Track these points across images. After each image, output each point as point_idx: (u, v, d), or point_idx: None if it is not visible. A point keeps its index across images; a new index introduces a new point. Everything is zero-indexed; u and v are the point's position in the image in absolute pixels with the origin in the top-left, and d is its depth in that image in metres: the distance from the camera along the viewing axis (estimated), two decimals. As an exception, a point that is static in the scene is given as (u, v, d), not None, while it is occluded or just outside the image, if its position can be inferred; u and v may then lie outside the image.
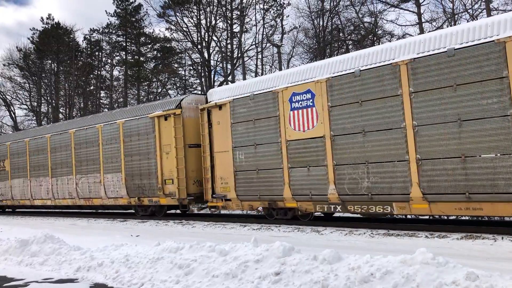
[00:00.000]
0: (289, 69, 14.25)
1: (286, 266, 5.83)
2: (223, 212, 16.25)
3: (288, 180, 11.83)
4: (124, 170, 16.38)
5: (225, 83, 32.31)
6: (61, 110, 43.32)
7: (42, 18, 48.18)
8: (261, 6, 33.61)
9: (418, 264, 5.10)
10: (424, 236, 9.21)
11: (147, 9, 46.26)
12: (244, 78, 31.39)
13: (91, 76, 43.66)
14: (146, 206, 16.28)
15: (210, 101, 13.98)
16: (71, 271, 7.72)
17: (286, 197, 11.92)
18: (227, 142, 13.30)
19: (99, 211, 20.60)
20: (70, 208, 21.07)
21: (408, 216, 12.35)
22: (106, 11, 42.56)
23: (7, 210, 25.79)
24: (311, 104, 11.39)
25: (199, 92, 32.62)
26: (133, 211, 17.30)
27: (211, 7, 33.84)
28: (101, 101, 44.47)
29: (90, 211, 21.58)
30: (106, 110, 39.64)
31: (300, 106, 11.62)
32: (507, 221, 11.14)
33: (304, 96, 11.54)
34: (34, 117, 44.55)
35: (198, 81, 38.09)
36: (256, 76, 32.76)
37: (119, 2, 41.42)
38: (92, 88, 44.50)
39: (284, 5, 33.65)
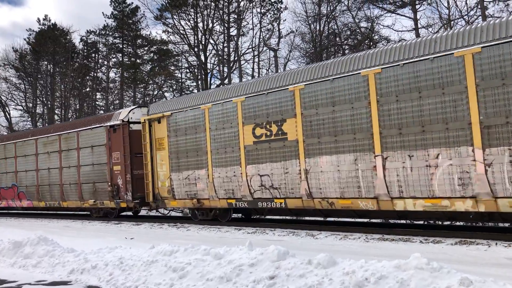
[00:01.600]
0: None
1: (281, 270, 5.82)
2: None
3: None
4: None
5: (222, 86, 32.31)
6: (56, 112, 43.21)
7: (38, 19, 48.20)
8: (258, 10, 33.78)
9: (412, 269, 5.10)
10: (418, 241, 9.23)
11: (144, 11, 46.16)
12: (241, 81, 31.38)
13: (87, 77, 43.56)
14: None
15: None
16: (64, 273, 7.67)
17: None
18: None
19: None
20: None
21: (403, 221, 12.36)
22: (103, 13, 42.57)
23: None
24: None
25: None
26: None
27: (208, 10, 33.91)
28: (96, 102, 44.42)
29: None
30: (102, 112, 39.44)
31: None
32: (501, 227, 11.17)
33: None
34: (29, 118, 44.40)
35: (194, 83, 38.10)
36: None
37: (116, 4, 41.42)
38: (88, 89, 44.41)
39: (281, 9, 33.84)
